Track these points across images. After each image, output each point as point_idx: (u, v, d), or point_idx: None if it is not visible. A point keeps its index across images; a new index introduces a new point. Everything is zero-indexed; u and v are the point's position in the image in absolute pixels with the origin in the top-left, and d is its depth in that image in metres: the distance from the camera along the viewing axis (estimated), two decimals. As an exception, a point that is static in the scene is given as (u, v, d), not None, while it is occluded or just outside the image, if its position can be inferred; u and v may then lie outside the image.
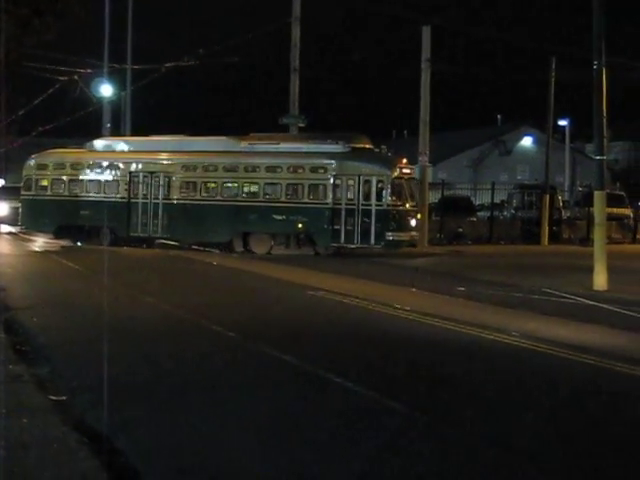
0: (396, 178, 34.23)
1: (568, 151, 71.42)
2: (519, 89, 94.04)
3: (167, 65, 41.04)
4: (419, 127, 42.88)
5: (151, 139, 39.39)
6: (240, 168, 35.71)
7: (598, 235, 23.23)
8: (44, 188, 39.01)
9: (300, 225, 34.54)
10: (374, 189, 33.91)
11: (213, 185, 36.45)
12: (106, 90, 47.53)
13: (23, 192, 39.44)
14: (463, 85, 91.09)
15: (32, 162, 39.40)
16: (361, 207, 33.79)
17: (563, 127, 69.27)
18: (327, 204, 34.11)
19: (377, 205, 33.71)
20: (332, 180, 34.22)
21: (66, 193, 38.49)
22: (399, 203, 34.27)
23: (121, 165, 37.68)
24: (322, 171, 34.54)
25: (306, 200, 34.55)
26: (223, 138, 37.03)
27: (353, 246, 34.19)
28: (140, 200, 36.89)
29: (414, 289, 21.53)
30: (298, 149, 35.59)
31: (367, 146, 35.90)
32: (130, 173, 37.30)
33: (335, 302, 19.03)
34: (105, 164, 37.87)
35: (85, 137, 41.42)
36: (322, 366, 11.37)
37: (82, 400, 9.48)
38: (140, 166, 37.27)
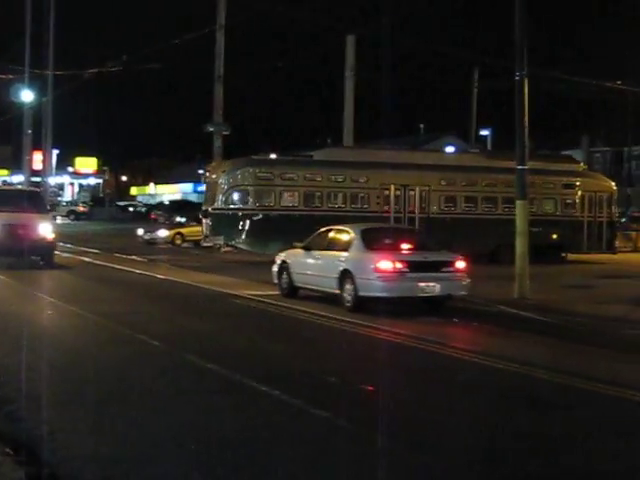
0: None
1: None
2: (442, 99, 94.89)
3: (90, 71, 40.70)
4: (343, 136, 43.09)
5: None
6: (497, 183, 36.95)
7: (520, 244, 23.48)
8: None
9: (555, 236, 37.69)
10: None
11: (470, 199, 37.27)
12: (27, 96, 46.95)
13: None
14: (386, 94, 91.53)
15: None
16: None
17: (485, 137, 70.08)
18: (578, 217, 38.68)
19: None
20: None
21: None
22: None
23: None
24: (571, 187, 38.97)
25: (560, 213, 38.58)
26: (474, 153, 39.13)
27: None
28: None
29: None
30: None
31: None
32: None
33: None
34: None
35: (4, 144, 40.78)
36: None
37: (3, 411, 9.33)
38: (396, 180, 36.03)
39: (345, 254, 20.19)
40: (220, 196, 34.03)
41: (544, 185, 37.67)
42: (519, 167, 23.80)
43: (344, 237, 21.06)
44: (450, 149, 79.77)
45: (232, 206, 33.90)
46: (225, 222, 33.63)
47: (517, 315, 19.48)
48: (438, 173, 36.83)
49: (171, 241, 48.48)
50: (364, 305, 19.13)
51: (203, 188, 42.24)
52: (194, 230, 49.77)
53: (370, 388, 11.27)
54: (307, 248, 21.89)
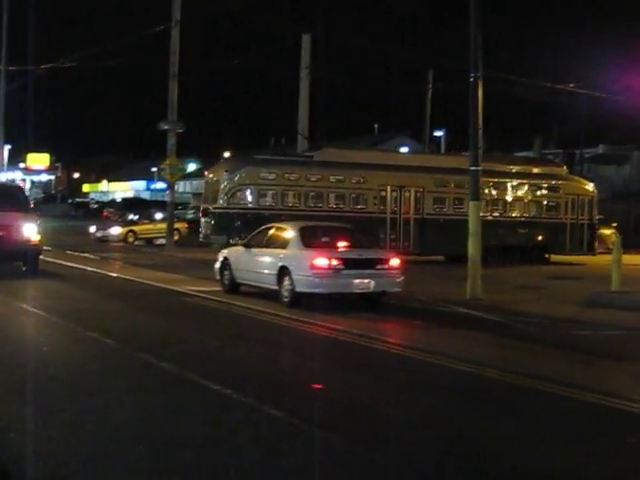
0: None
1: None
2: (396, 99, 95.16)
3: (43, 67, 40.35)
4: (298, 135, 43.07)
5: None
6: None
7: (473, 245, 23.63)
8: None
9: (540, 237, 39.01)
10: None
11: (461, 201, 37.43)
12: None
13: None
14: (341, 94, 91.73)
15: None
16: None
17: (439, 137, 70.36)
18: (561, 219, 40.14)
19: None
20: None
21: None
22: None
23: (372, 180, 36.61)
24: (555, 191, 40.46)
25: (545, 215, 39.94)
26: (460, 157, 38.65)
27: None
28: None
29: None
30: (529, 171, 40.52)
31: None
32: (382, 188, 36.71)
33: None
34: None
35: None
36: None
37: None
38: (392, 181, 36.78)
39: (283, 251, 20.77)
40: (223, 195, 34.16)
41: (530, 188, 39.35)
42: (472, 168, 23.98)
43: (283, 235, 21.62)
44: (404, 149, 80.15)
45: (235, 205, 34.02)
46: (227, 221, 33.72)
47: (467, 314, 19.60)
48: (431, 175, 37.66)
49: (123, 239, 48.25)
50: (301, 301, 19.73)
51: (158, 185, 42.33)
52: (146, 228, 49.66)
53: (318, 386, 11.25)
54: (248, 245, 22.46)
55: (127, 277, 26.35)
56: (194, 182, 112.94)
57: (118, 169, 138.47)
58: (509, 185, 39.28)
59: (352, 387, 11.44)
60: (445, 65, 51.36)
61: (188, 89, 43.14)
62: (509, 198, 39.33)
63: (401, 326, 18.19)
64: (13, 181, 52.13)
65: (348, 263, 19.77)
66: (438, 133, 69.08)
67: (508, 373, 12.37)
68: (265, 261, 21.32)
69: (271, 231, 22.45)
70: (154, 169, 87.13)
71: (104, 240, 47.35)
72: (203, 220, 35.21)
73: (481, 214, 36.70)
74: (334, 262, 19.59)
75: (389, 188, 36.24)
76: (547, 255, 39.41)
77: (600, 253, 41.98)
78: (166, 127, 41.27)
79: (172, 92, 40.86)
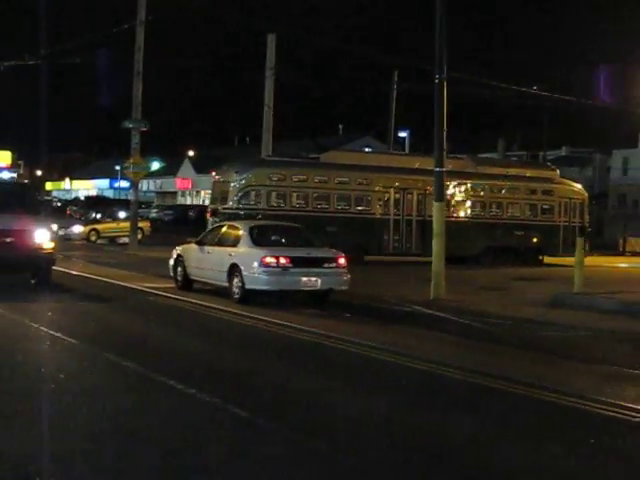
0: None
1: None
2: (361, 100, 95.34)
3: (6, 64, 40.02)
4: (262, 134, 43.02)
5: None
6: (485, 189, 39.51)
7: (437, 246, 23.70)
8: None
9: (535, 240, 39.67)
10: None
11: (460, 203, 38.72)
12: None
13: None
14: (306, 94, 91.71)
15: None
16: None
17: (403, 138, 70.53)
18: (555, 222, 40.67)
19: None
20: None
21: None
22: None
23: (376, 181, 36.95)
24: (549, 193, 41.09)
25: (540, 218, 40.39)
26: (463, 159, 41.04)
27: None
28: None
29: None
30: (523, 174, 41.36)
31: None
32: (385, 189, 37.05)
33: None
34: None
35: None
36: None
37: None
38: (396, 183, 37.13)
39: (234, 249, 21.40)
40: (233, 196, 34.45)
41: (525, 191, 40.15)
42: (437, 169, 24.05)
43: (234, 233, 22.26)
44: (367, 150, 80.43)
45: (245, 206, 34.29)
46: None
47: (431, 315, 19.65)
48: (432, 178, 37.51)
49: (86, 237, 47.96)
50: (251, 298, 20.40)
51: (121, 183, 42.47)
52: (109, 226, 49.38)
53: (263, 380, 11.27)
54: (200, 243, 23.12)
55: (88, 275, 26.49)
56: (158, 181, 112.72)
57: (81, 167, 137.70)
58: (505, 188, 39.97)
59: (326, 390, 11.45)
60: (410, 66, 51.50)
61: (152, 88, 42.96)
62: (505, 201, 40.00)
63: (355, 324, 18.23)
64: (13, 179, 50.08)
65: (296, 261, 20.46)
66: (402, 134, 69.27)
67: (469, 373, 12.43)
68: (216, 259, 21.88)
69: (223, 229, 23.21)
70: (118, 167, 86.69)
71: (67, 239, 47.04)
72: (211, 220, 35.33)
73: (478, 216, 39.34)
74: (282, 260, 20.27)
75: (392, 190, 36.68)
76: (540, 257, 40.15)
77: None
78: (130, 125, 41.06)
79: (136, 90, 40.67)
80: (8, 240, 21.11)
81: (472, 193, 39.14)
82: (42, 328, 15.42)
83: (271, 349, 14.43)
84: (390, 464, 8.06)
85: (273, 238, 22.52)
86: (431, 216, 37.04)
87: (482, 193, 39.24)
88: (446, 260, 37.16)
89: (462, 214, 38.68)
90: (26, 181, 25.21)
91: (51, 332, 14.88)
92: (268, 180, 34.87)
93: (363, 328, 17.41)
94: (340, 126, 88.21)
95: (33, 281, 22.20)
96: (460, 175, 38.69)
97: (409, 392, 11.36)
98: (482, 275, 30.89)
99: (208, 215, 36.47)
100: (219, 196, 35.77)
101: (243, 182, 34.62)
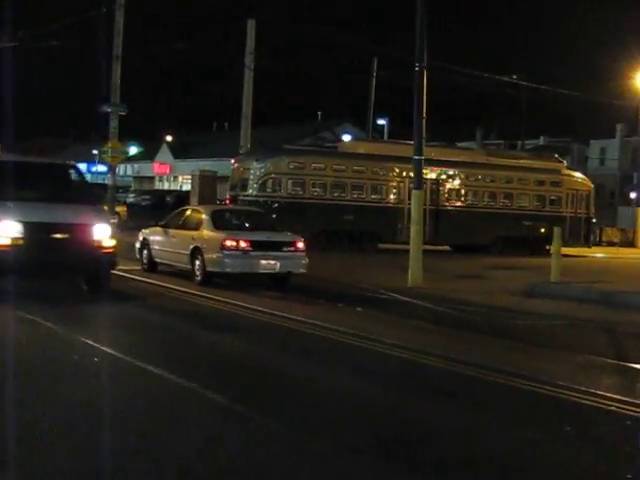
0: None
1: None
2: (340, 87, 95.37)
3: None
4: (241, 120, 42.96)
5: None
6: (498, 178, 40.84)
7: (415, 233, 23.75)
8: None
9: (542, 230, 39.94)
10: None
11: (471, 193, 40.17)
12: None
13: None
14: (286, 81, 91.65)
15: None
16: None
17: (382, 126, 70.54)
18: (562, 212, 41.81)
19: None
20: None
21: None
22: None
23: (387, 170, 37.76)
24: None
25: (548, 209, 41.52)
26: (474, 150, 43.95)
27: None
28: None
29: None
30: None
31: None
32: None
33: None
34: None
35: None
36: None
37: None
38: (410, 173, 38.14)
39: (196, 233, 21.99)
40: (253, 184, 35.44)
41: (534, 182, 41.39)
42: (416, 157, 24.10)
43: (197, 217, 22.94)
44: (347, 137, 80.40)
45: (265, 194, 35.32)
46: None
47: (407, 302, 19.72)
48: (446, 168, 39.51)
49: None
50: (212, 280, 21.15)
51: (99, 168, 42.69)
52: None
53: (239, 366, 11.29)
54: (165, 226, 23.75)
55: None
56: (135, 165, 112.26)
57: (58, 151, 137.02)
58: (514, 179, 40.94)
59: (302, 374, 11.47)
60: (390, 54, 51.56)
61: (130, 72, 42.75)
62: (515, 191, 40.99)
63: (321, 308, 18.34)
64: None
65: (256, 245, 21.08)
66: (381, 121, 69.27)
67: (445, 360, 12.47)
68: (180, 241, 22.53)
69: (187, 213, 24.00)
70: (95, 152, 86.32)
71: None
72: None
73: (489, 206, 40.32)
74: (242, 244, 20.90)
75: (407, 180, 36.97)
76: (548, 247, 40.40)
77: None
78: (109, 109, 40.90)
79: (115, 74, 40.50)
80: (64, 237, 17.16)
81: (483, 184, 40.19)
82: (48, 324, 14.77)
83: (228, 328, 15.09)
84: (370, 447, 8.09)
85: (234, 222, 23.33)
86: (443, 206, 39.03)
87: (493, 184, 40.27)
88: (458, 249, 38.68)
89: (474, 204, 39.73)
90: (70, 161, 19.44)
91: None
92: (287, 168, 35.84)
93: (328, 313, 17.42)
94: (319, 113, 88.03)
95: (86, 287, 18.32)
96: (472, 165, 40.13)
97: (385, 378, 11.38)
98: (460, 264, 31.00)
99: (227, 202, 36.79)
100: (239, 183, 36.52)
101: (263, 170, 35.55)
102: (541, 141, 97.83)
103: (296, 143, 73.75)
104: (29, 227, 16.65)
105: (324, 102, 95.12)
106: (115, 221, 21.04)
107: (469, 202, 39.71)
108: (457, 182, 39.80)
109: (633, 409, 9.94)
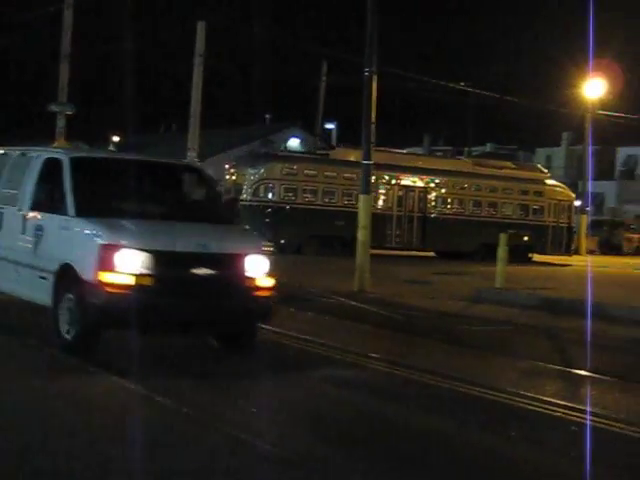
0: None
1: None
2: (288, 90, 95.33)
3: None
4: (189, 122, 42.77)
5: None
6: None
7: (362, 237, 23.78)
8: None
9: (526, 238, 41.42)
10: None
11: (458, 201, 41.42)
12: None
13: None
14: (234, 83, 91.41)
15: None
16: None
17: (330, 130, 70.51)
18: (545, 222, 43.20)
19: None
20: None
21: None
22: None
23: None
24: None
25: (531, 218, 42.82)
26: (461, 159, 46.19)
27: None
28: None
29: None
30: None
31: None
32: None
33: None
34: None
35: None
36: None
37: None
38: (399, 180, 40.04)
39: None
40: (247, 189, 36.62)
41: (518, 192, 42.89)
42: (365, 162, 24.12)
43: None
44: (294, 141, 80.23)
45: (258, 199, 36.55)
46: (251, 214, 34.98)
47: (352, 306, 19.73)
48: (433, 177, 40.91)
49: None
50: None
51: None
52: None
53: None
54: None
55: None
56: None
57: None
58: (499, 188, 42.35)
59: (250, 378, 11.44)
60: (339, 58, 51.70)
61: (76, 71, 42.32)
62: (499, 200, 42.38)
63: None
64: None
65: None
66: (330, 125, 69.27)
67: (389, 364, 12.51)
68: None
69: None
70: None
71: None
72: None
73: (475, 215, 41.28)
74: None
75: (395, 187, 39.18)
76: (530, 255, 42.26)
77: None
78: (56, 109, 40.51)
79: (63, 74, 40.13)
80: (210, 274, 11.69)
81: (469, 192, 41.51)
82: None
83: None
84: (304, 448, 8.11)
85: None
86: (431, 212, 39.98)
87: (478, 192, 41.62)
88: (445, 255, 39.57)
89: (459, 212, 40.99)
90: (193, 162, 17.02)
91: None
92: (280, 174, 36.93)
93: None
94: (267, 116, 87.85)
95: (219, 344, 12.94)
96: (458, 174, 41.44)
97: (330, 384, 11.41)
98: (407, 269, 31.11)
99: None
100: (233, 188, 37.51)
101: (257, 176, 36.74)
102: (487, 148, 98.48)
103: (245, 146, 73.75)
104: (161, 259, 11.29)
105: (272, 105, 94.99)
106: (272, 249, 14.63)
107: (455, 210, 40.94)
108: (444, 190, 41.04)
109: (577, 415, 10.07)
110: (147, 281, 11.17)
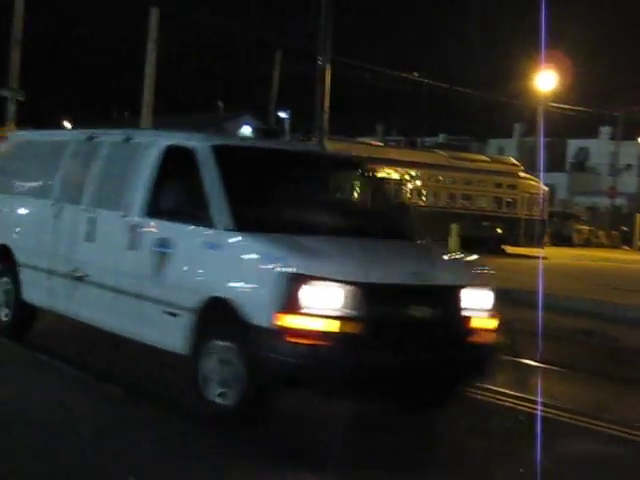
0: None
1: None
2: (241, 78, 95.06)
3: None
4: (142, 109, 42.54)
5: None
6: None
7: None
8: None
9: (499, 230, 42.28)
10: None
11: (434, 193, 41.89)
12: None
13: None
14: (187, 69, 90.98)
15: None
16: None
17: (283, 119, 70.42)
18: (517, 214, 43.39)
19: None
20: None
21: None
22: None
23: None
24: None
25: (504, 210, 43.24)
26: (437, 152, 45.79)
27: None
28: None
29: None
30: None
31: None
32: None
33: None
34: None
35: None
36: None
37: None
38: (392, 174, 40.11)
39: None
40: None
41: (492, 185, 43.31)
42: (317, 151, 24.10)
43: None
44: (247, 129, 79.90)
45: None
46: None
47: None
48: (408, 169, 41.05)
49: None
50: None
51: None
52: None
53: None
54: None
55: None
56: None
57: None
58: (474, 181, 42.85)
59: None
60: (293, 46, 51.64)
61: (27, 56, 41.90)
62: (474, 193, 42.92)
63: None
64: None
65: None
66: (282, 114, 69.18)
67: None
68: None
69: None
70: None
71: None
72: None
73: (450, 207, 41.76)
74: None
75: (391, 182, 39.12)
76: (503, 247, 42.70)
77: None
78: (6, 94, 40.09)
79: (14, 59, 39.70)
80: (428, 316, 8.49)
81: (444, 185, 42.02)
82: None
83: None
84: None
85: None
86: (420, 206, 40.37)
87: (453, 185, 42.10)
88: None
89: (434, 204, 41.29)
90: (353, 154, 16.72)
91: None
92: None
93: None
94: (220, 104, 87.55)
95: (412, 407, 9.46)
96: (433, 167, 41.89)
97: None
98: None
99: None
100: None
101: None
102: (440, 139, 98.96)
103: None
104: (373, 295, 8.08)
105: (224, 93, 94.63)
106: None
107: (430, 202, 41.18)
108: (419, 182, 41.42)
109: (526, 404, 10.14)
110: (355, 327, 7.91)
